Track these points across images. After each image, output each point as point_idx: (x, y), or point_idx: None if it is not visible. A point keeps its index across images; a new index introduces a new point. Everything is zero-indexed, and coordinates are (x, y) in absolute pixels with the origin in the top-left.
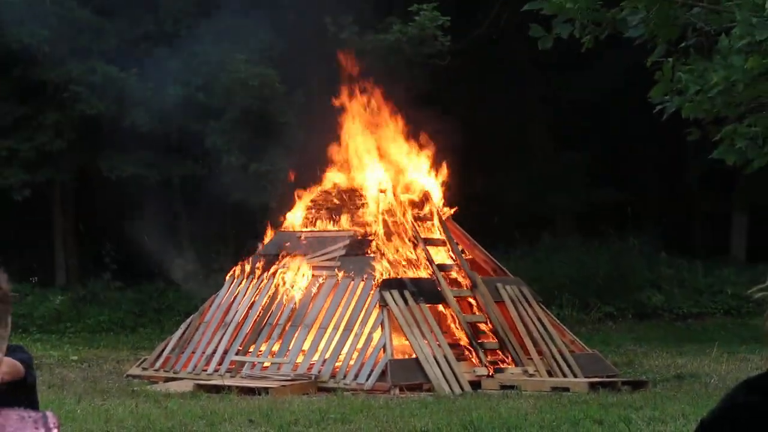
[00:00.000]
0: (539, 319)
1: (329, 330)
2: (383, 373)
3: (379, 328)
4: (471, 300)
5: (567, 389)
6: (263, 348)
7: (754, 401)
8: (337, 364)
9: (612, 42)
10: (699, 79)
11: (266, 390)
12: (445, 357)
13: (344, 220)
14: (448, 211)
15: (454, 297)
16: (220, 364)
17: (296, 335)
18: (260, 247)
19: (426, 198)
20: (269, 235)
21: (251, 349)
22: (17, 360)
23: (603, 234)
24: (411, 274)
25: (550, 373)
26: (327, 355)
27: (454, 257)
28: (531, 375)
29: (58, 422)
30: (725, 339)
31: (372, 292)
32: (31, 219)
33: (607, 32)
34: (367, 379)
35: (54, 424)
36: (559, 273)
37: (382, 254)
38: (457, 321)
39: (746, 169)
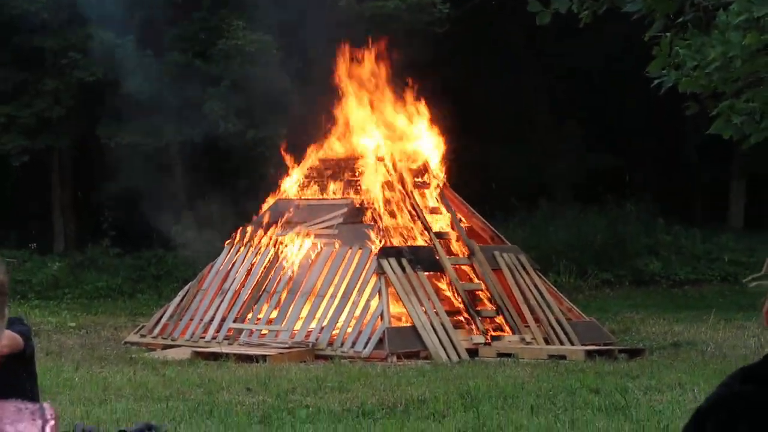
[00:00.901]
0: (536, 287)
1: (327, 298)
2: (380, 341)
3: (377, 296)
4: (468, 268)
5: (564, 357)
6: (261, 315)
7: (749, 390)
8: (334, 331)
9: (609, 14)
10: (697, 54)
11: (264, 357)
12: (443, 325)
13: (342, 187)
14: (445, 179)
15: (452, 265)
16: (217, 331)
17: (294, 303)
18: (258, 214)
19: (424, 166)
20: (267, 203)
21: (249, 317)
22: (16, 332)
23: (601, 201)
24: (409, 242)
25: (547, 341)
26: (324, 323)
27: (451, 225)
28: (528, 343)
29: (55, 414)
30: (722, 306)
31: (369, 260)
32: (29, 186)
33: (605, 7)
34: (364, 347)
35: (51, 416)
36: (557, 240)
37: (380, 222)
38: (454, 289)
39: (744, 144)
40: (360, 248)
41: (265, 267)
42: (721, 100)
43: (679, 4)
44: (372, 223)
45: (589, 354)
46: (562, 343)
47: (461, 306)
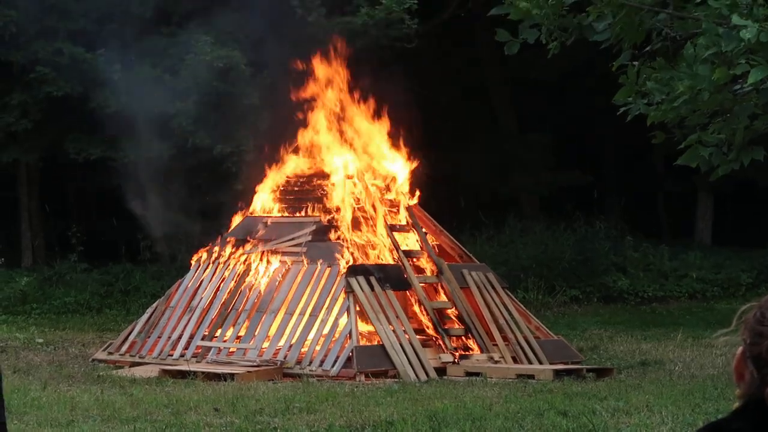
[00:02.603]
0: (505, 306)
1: (295, 316)
2: (349, 360)
3: (345, 315)
4: (437, 286)
5: (532, 377)
6: (229, 333)
7: None
8: (302, 350)
9: (576, 41)
10: (665, 87)
11: (232, 376)
12: (411, 343)
13: (310, 205)
14: (414, 198)
15: (420, 283)
16: (185, 349)
17: (262, 321)
18: (226, 231)
19: (392, 183)
20: (235, 220)
21: (217, 335)
22: None
23: (569, 216)
24: (377, 260)
25: (515, 360)
26: (293, 341)
27: (420, 243)
28: (496, 362)
29: None
30: (690, 323)
31: (338, 278)
32: None
33: (573, 37)
34: (332, 366)
35: None
36: (525, 256)
37: (348, 240)
38: (422, 307)
39: (712, 176)
40: (328, 266)
41: (233, 285)
42: (686, 129)
43: (646, 33)
44: (340, 241)
45: (558, 374)
46: (530, 362)
47: (429, 324)
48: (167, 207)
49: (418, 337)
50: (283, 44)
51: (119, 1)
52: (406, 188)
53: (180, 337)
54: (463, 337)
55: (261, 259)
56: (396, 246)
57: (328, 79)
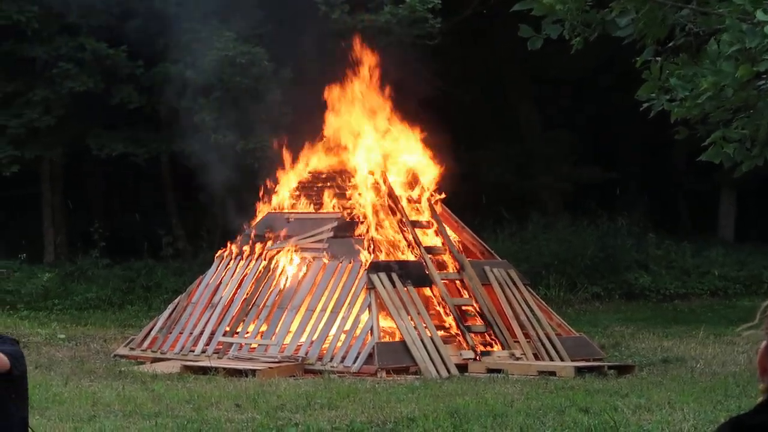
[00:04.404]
0: (526, 302)
1: (316, 312)
2: (370, 356)
3: (367, 311)
4: (458, 283)
5: (554, 373)
6: (251, 329)
7: None
8: (324, 346)
9: (599, 36)
10: (688, 84)
11: (253, 372)
12: (432, 340)
13: (332, 201)
14: (437, 195)
15: (442, 280)
16: (207, 345)
17: (283, 317)
18: (248, 227)
19: (415, 180)
20: (257, 216)
21: (238, 330)
22: (5, 352)
23: (591, 213)
24: (399, 256)
25: (536, 357)
26: (314, 337)
27: (442, 240)
28: (518, 358)
29: None
30: (712, 320)
31: (359, 274)
32: (19, 195)
33: (597, 33)
34: (354, 362)
35: None
36: (547, 253)
37: (370, 237)
38: (444, 304)
39: (736, 172)
40: (350, 262)
41: (254, 280)
42: (709, 125)
43: (669, 29)
44: (362, 237)
45: (579, 370)
46: (551, 359)
47: (451, 321)
48: (189, 203)
49: (439, 333)
50: (306, 41)
51: None
52: (428, 185)
53: (201, 333)
54: (484, 334)
55: (283, 255)
56: (418, 242)
57: (350, 76)
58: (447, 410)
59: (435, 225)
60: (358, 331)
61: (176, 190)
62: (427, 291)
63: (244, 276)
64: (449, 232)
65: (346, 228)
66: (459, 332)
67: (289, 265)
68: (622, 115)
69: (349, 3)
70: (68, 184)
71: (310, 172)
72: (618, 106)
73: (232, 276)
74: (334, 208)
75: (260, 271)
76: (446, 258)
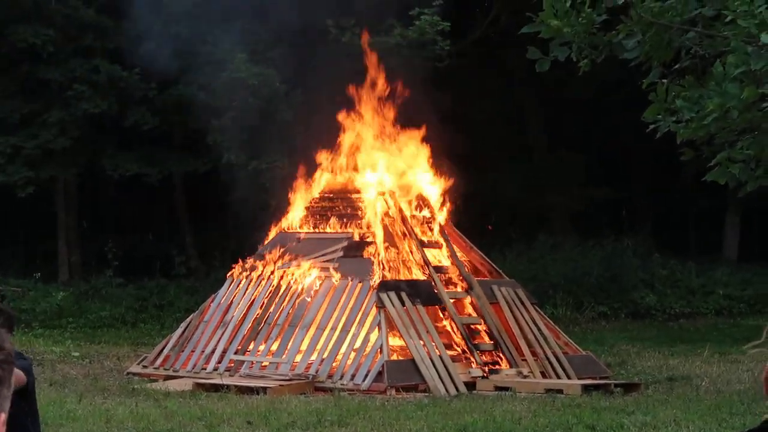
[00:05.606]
0: (534, 321)
1: (327, 330)
2: (380, 374)
3: (376, 329)
4: (467, 302)
5: (561, 391)
6: (262, 347)
7: None
8: (334, 364)
9: (606, 58)
10: (694, 106)
11: (264, 389)
12: (441, 358)
13: (343, 221)
14: (445, 215)
15: (450, 299)
16: (219, 362)
17: (294, 335)
18: (260, 246)
19: (424, 201)
20: (269, 235)
21: (250, 348)
22: (18, 367)
23: (598, 233)
24: (408, 276)
25: (544, 375)
26: (324, 355)
27: (450, 259)
28: (525, 376)
29: None
30: (717, 339)
31: (369, 293)
32: (34, 215)
33: (604, 55)
34: (363, 380)
35: None
36: (554, 272)
37: (380, 256)
38: (453, 322)
39: (741, 192)
40: (360, 282)
41: (266, 299)
42: (715, 144)
43: (675, 51)
44: (372, 257)
45: (586, 388)
46: (558, 377)
47: (459, 339)
48: (201, 223)
49: (448, 352)
50: (318, 62)
51: (155, 19)
52: (437, 205)
53: (213, 351)
54: (492, 352)
55: (294, 274)
56: (426, 262)
57: (361, 98)
58: (455, 428)
59: (444, 245)
60: (367, 349)
61: (189, 210)
62: (436, 310)
63: (256, 295)
64: (458, 251)
65: (356, 248)
66: (467, 351)
67: (300, 284)
68: (630, 136)
69: (360, 25)
70: (82, 204)
71: (321, 192)
72: (626, 126)
73: (243, 295)
74: (344, 228)
75: (271, 290)
76: (455, 277)
